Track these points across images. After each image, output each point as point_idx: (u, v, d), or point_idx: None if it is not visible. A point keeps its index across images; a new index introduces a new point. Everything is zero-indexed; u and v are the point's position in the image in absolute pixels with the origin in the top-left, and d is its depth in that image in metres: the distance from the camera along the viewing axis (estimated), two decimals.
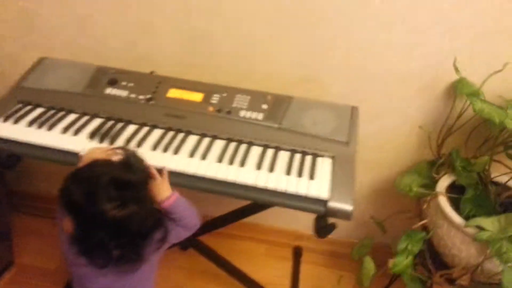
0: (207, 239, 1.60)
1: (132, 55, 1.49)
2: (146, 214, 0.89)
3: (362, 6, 1.26)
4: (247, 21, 1.35)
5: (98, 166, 0.89)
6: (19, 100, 1.24)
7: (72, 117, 1.21)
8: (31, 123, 1.16)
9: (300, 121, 1.21)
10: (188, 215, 1.03)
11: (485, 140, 1.32)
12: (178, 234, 1.03)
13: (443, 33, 1.26)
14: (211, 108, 1.23)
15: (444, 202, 1.23)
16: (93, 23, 1.45)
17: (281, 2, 1.29)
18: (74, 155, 1.06)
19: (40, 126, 1.15)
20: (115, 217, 0.83)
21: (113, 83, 1.29)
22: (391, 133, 1.47)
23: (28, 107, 1.22)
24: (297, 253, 1.81)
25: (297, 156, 1.14)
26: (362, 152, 1.50)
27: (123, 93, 1.27)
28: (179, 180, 1.06)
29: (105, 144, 1.12)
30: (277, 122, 1.20)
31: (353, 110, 1.25)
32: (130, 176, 0.88)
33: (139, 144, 1.12)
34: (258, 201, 1.06)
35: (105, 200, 0.82)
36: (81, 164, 0.95)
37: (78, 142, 1.12)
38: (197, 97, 1.26)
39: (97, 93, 1.27)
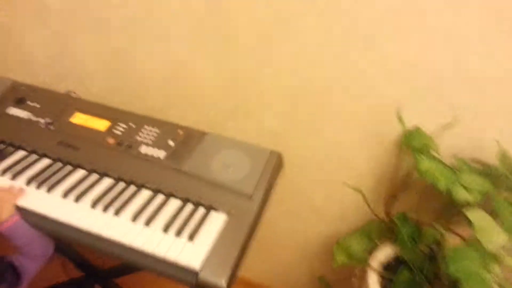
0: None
1: (55, 71, 1.37)
2: None
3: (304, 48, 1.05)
4: (172, 42, 1.19)
5: None
6: None
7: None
8: None
9: (206, 164, 1.02)
10: (30, 242, 0.90)
11: (443, 203, 1.06)
12: (25, 269, 0.89)
13: (391, 80, 1.02)
14: (111, 140, 1.08)
15: (373, 280, 0.99)
16: (18, 35, 1.35)
17: (206, 22, 1.12)
18: None
19: None
20: None
21: (20, 102, 1.18)
22: (337, 184, 1.23)
23: None
24: None
25: (188, 207, 0.95)
26: (311, 200, 1.29)
27: (25, 114, 1.14)
28: (41, 222, 0.91)
29: None
30: (179, 162, 1.02)
31: (272, 156, 1.04)
32: None
33: (15, 175, 0.99)
34: (124, 260, 0.89)
35: None
36: None
37: None
38: (102, 125, 1.12)
39: (1, 112, 1.15)
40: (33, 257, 0.92)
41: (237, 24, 1.08)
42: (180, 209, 0.94)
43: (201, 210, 0.95)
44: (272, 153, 1.04)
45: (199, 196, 0.96)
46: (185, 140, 1.07)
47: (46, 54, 1.35)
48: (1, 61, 1.41)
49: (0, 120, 1.14)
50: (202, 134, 1.09)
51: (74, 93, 1.26)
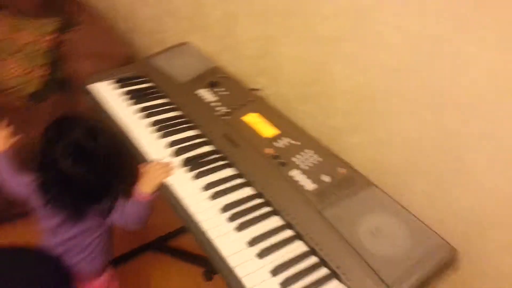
0: None
1: (259, 66, 1.37)
2: (92, 184, 0.94)
3: None
4: (374, 67, 1.02)
5: (71, 125, 0.95)
6: (138, 71, 1.33)
7: (157, 102, 1.21)
8: (128, 95, 1.22)
9: (354, 219, 0.84)
10: (136, 218, 1.01)
11: None
12: (116, 218, 1.02)
13: None
14: (269, 150, 1.00)
15: None
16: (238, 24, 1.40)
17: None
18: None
19: (136, 102, 1.19)
20: (62, 169, 0.91)
21: (212, 85, 1.23)
22: None
23: (139, 79, 1.30)
24: None
25: (311, 260, 0.80)
26: None
27: (211, 98, 1.18)
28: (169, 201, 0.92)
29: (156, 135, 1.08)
30: (325, 204, 0.87)
31: (442, 250, 0.77)
32: (90, 145, 0.93)
33: (178, 152, 1.02)
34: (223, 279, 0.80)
35: (61, 152, 0.90)
36: (142, 180, 0.99)
37: (140, 125, 1.11)
38: (269, 132, 1.05)
39: (191, 89, 1.23)
40: (126, 223, 1.01)
41: None
42: (302, 258, 0.80)
43: (322, 270, 0.78)
44: (442, 246, 0.78)
45: (329, 254, 0.79)
46: (343, 182, 0.91)
47: (253, 51, 1.38)
48: (217, 51, 1.51)
49: (189, 97, 1.21)
50: (367, 184, 0.90)
51: (261, 90, 1.25)
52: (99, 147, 0.94)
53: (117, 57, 1.51)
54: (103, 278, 1.14)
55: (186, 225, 0.88)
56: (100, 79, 1.28)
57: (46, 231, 1.05)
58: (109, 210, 1.00)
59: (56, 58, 1.64)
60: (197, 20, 1.54)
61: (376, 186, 0.90)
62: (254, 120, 1.10)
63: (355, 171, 0.94)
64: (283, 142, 1.02)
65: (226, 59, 1.46)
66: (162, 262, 1.61)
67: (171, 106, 1.19)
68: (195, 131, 1.10)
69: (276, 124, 1.07)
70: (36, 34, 1.62)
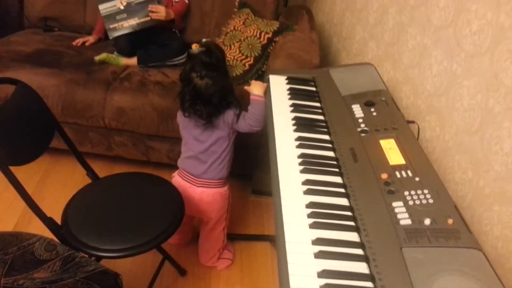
0: None
1: (432, 104, 1.29)
2: (217, 92, 1.33)
3: None
4: None
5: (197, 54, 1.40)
6: (313, 76, 1.44)
7: (309, 103, 1.29)
8: (290, 91, 1.35)
9: (431, 272, 0.73)
10: (258, 116, 1.37)
11: None
12: (241, 125, 1.40)
13: None
14: (385, 176, 0.96)
15: None
16: (428, 57, 1.34)
17: None
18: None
19: (291, 98, 1.32)
20: (196, 84, 1.32)
21: (368, 104, 1.23)
22: None
23: (309, 82, 1.41)
24: None
25: (362, 283, 0.73)
26: None
27: (360, 114, 1.19)
28: None
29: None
30: (407, 243, 0.78)
31: None
32: (208, 59, 1.32)
33: (300, 146, 1.09)
34: None
35: (192, 72, 1.33)
36: (253, 88, 1.42)
37: (283, 117, 1.23)
38: (396, 160, 1.00)
39: (346, 102, 1.26)
40: (250, 124, 1.39)
41: None
42: (356, 277, 0.75)
43: None
44: None
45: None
46: (443, 232, 0.80)
47: (433, 87, 1.30)
48: (399, 80, 1.48)
49: (340, 107, 1.24)
50: (473, 245, 0.76)
51: (416, 124, 1.18)
52: (215, 61, 1.33)
53: (306, 63, 1.67)
54: (226, 188, 1.52)
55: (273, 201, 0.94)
56: (280, 74, 1.45)
57: (192, 140, 1.43)
58: (237, 117, 1.39)
59: (263, 54, 1.92)
60: (393, 48, 1.55)
61: (483, 253, 0.75)
62: (389, 146, 1.06)
63: (466, 228, 0.80)
64: (403, 174, 0.95)
65: (406, 91, 1.43)
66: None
67: (319, 110, 1.26)
68: (327, 136, 1.14)
69: (407, 157, 1.01)
70: (259, 30, 1.94)
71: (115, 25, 1.99)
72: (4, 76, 1.16)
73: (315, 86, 1.38)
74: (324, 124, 1.20)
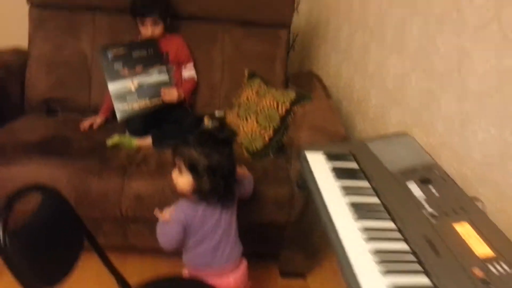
0: None
1: (484, 174, 1.22)
2: (231, 166, 1.33)
3: None
4: None
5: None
6: (351, 150, 1.37)
7: (359, 183, 1.20)
8: (334, 170, 1.27)
9: None
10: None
11: None
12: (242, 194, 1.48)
13: None
14: (479, 272, 0.85)
15: None
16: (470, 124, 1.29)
17: None
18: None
19: (338, 178, 1.23)
20: (212, 164, 1.25)
21: (424, 181, 1.15)
22: None
23: (349, 158, 1.33)
24: None
25: None
26: None
27: (420, 193, 1.11)
28: None
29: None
30: None
31: None
32: (222, 134, 1.33)
33: (368, 239, 0.98)
34: None
35: (215, 154, 1.27)
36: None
37: (338, 203, 1.13)
38: (482, 250, 0.90)
39: (399, 180, 1.18)
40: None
41: None
42: None
43: None
44: None
45: None
46: None
47: (482, 156, 1.24)
48: (437, 148, 1.43)
49: (397, 187, 1.16)
50: None
51: (482, 203, 1.09)
52: (226, 136, 1.33)
53: (333, 134, 1.61)
54: (244, 266, 1.44)
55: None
56: (314, 149, 1.38)
57: (211, 229, 1.34)
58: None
59: (282, 125, 1.86)
60: (423, 114, 1.51)
61: None
62: (466, 231, 0.96)
63: None
64: (498, 268, 0.85)
65: (445, 159, 1.37)
66: None
67: (371, 191, 1.17)
68: (392, 223, 1.04)
69: (491, 244, 0.91)
70: (276, 101, 1.89)
71: (125, 106, 1.91)
72: (28, 185, 1.03)
73: (357, 162, 1.30)
74: (383, 208, 1.10)
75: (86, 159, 1.73)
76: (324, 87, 2.05)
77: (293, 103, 1.87)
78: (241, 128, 1.94)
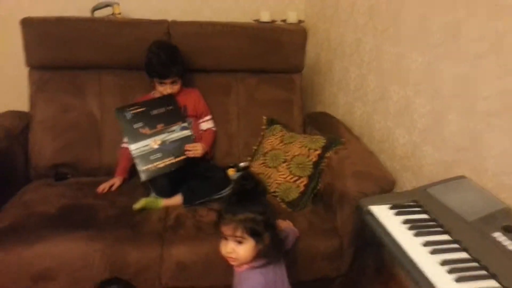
0: None
1: None
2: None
3: None
4: None
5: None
6: (414, 200, 1.34)
7: (441, 238, 1.16)
8: (406, 222, 1.22)
9: None
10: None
11: None
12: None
13: None
14: None
15: None
16: None
17: None
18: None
19: (417, 234, 1.18)
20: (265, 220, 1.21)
21: (508, 230, 1.13)
22: None
23: (417, 209, 1.30)
24: None
25: None
26: None
27: (510, 245, 1.08)
28: None
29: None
30: None
31: None
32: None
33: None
34: None
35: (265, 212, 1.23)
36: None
37: (428, 261, 1.08)
38: None
39: (482, 230, 1.15)
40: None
41: None
42: None
43: None
44: None
45: None
46: None
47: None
48: (494, 189, 1.42)
49: (480, 239, 1.13)
50: None
51: None
52: (263, 187, 1.31)
53: (381, 179, 1.58)
54: None
55: None
56: (375, 202, 1.33)
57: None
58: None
59: (316, 172, 1.81)
60: (470, 152, 1.50)
61: None
62: None
63: None
64: None
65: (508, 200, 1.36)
66: None
67: (457, 245, 1.13)
68: (496, 282, 1.00)
69: None
70: (307, 148, 1.85)
71: (149, 166, 1.80)
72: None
73: (427, 213, 1.27)
74: (479, 265, 1.06)
75: (116, 228, 1.60)
76: (348, 129, 2.03)
77: (325, 148, 1.84)
78: (272, 178, 1.87)
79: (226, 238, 1.20)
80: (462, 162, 1.55)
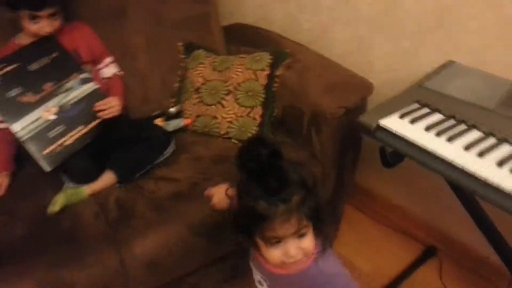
0: None
1: None
2: None
3: None
4: None
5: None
6: (417, 100, 1.13)
7: (476, 134, 0.99)
8: (428, 128, 1.02)
9: None
10: None
11: None
12: None
13: None
14: None
15: None
16: None
17: None
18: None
19: (438, 134, 0.99)
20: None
21: None
22: None
23: (426, 110, 1.09)
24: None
25: None
26: None
27: None
28: None
29: None
30: None
31: None
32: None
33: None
34: None
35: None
36: None
37: (481, 165, 0.90)
38: None
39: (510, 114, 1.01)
40: None
41: None
42: None
43: None
44: None
45: None
46: None
47: None
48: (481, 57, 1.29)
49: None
50: None
51: None
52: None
53: (361, 87, 1.34)
54: None
55: None
56: (379, 115, 1.08)
57: None
58: None
59: (269, 96, 1.48)
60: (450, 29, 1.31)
61: None
62: None
63: None
64: None
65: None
66: None
67: (495, 140, 0.97)
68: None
69: None
70: (251, 70, 1.48)
71: (51, 147, 1.25)
72: None
73: (439, 111, 1.07)
74: None
75: (40, 251, 1.10)
76: (283, 36, 1.69)
77: (273, 66, 1.50)
78: (218, 117, 1.49)
79: (279, 241, 0.79)
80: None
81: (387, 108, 1.11)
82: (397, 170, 1.18)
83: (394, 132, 1.03)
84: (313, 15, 1.71)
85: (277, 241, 0.78)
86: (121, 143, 1.34)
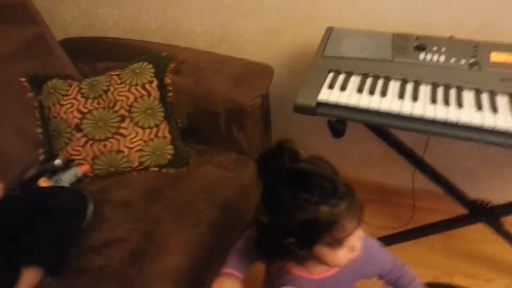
0: None
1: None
2: None
3: None
4: None
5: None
6: (329, 69, 1.21)
7: (395, 83, 1.14)
8: (360, 90, 1.11)
9: None
10: None
11: None
12: None
13: None
14: None
15: None
16: None
17: None
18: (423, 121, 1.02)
19: (371, 92, 1.10)
20: None
21: (421, 49, 1.22)
22: None
23: (343, 76, 1.19)
24: None
25: None
26: None
27: (440, 58, 1.18)
28: None
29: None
30: None
31: None
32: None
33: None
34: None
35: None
36: None
37: (419, 107, 1.05)
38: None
39: (409, 60, 1.20)
40: None
41: None
42: None
43: None
44: None
45: None
46: None
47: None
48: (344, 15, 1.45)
49: (417, 67, 1.17)
50: None
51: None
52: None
53: (265, 71, 1.33)
54: None
55: None
56: (311, 94, 1.12)
57: None
58: None
59: (168, 108, 1.33)
60: None
61: None
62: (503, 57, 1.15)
63: None
64: None
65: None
66: None
67: (412, 83, 1.14)
68: (468, 92, 1.09)
69: None
70: (137, 87, 1.29)
71: None
72: None
73: (355, 73, 1.18)
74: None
75: None
76: (144, 41, 1.51)
77: (158, 75, 1.33)
78: (125, 150, 1.25)
79: (343, 239, 0.74)
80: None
81: (312, 85, 1.15)
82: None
83: (336, 103, 1.09)
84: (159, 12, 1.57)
85: (345, 236, 0.74)
86: (28, 228, 0.99)
